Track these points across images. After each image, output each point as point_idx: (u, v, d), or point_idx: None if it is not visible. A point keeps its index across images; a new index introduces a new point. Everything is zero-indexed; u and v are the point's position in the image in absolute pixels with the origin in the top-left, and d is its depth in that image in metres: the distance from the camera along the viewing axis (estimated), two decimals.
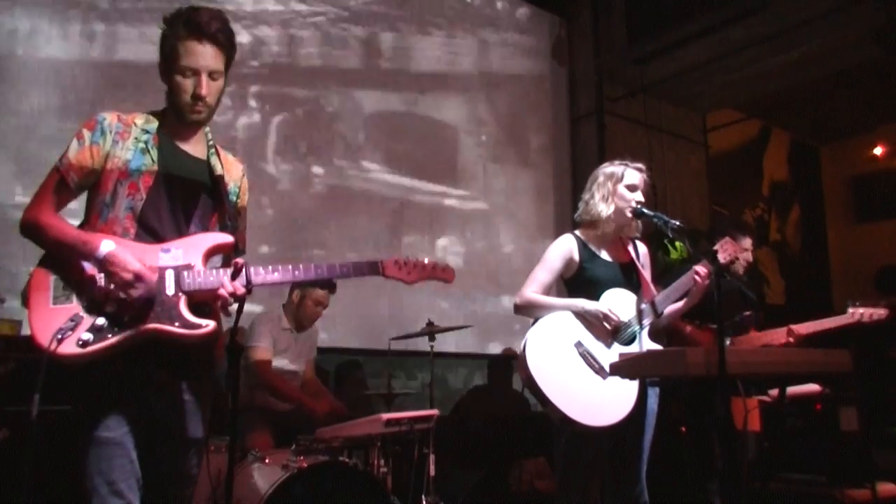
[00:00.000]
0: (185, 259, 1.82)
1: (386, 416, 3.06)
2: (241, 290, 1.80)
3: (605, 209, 2.65)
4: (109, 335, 1.70)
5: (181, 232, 1.88)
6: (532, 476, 4.49)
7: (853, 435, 3.93)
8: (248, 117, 4.48)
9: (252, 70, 4.51)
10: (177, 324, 1.76)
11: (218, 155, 2.02)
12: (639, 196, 2.64)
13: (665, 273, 3.44)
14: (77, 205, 1.91)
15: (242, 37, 3.93)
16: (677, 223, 2.45)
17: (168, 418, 1.84)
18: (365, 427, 3.08)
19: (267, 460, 2.86)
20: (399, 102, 5.18)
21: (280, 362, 3.70)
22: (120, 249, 1.73)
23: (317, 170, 4.73)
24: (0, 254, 3.29)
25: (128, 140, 1.86)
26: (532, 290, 2.65)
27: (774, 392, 3.41)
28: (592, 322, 2.54)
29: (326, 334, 4.14)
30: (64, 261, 1.76)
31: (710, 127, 7.14)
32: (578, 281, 2.67)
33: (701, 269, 2.53)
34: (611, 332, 2.53)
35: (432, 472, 3.36)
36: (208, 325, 1.78)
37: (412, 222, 5.11)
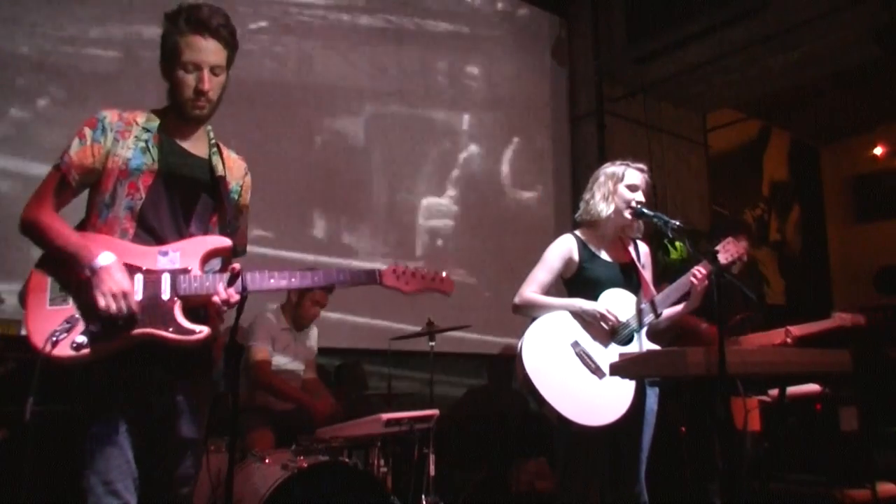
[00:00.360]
0: (182, 263, 1.82)
1: (386, 416, 3.06)
2: (235, 298, 1.81)
3: (605, 209, 2.65)
4: (104, 338, 1.70)
5: (181, 232, 1.88)
6: (532, 476, 4.49)
7: (853, 435, 3.93)
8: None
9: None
10: (170, 329, 1.75)
11: (220, 153, 2.01)
12: (639, 196, 2.64)
13: (665, 273, 3.45)
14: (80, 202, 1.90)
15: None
16: (677, 223, 2.45)
17: (166, 418, 1.84)
18: (365, 427, 3.08)
19: (267, 460, 2.85)
20: (399, 102, 5.18)
21: (280, 362, 3.70)
22: (117, 265, 1.72)
23: (318, 167, 4.73)
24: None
25: (129, 139, 1.86)
26: (531, 290, 2.65)
27: (774, 392, 3.41)
28: (590, 322, 2.54)
29: (327, 334, 4.13)
30: (62, 263, 1.75)
31: (710, 127, 7.14)
32: (578, 281, 2.67)
33: (698, 271, 2.53)
34: (608, 332, 2.53)
35: (432, 472, 3.36)
36: (202, 331, 1.78)
37: (412, 222, 5.11)
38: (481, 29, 5.78)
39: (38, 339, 1.66)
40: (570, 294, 2.69)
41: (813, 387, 3.66)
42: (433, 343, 3.91)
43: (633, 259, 2.72)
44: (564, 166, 6.15)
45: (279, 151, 4.52)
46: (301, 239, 4.58)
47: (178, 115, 1.92)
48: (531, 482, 4.46)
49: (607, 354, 2.50)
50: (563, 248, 2.69)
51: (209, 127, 2.02)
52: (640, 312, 2.57)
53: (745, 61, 5.68)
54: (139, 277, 1.76)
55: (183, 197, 1.90)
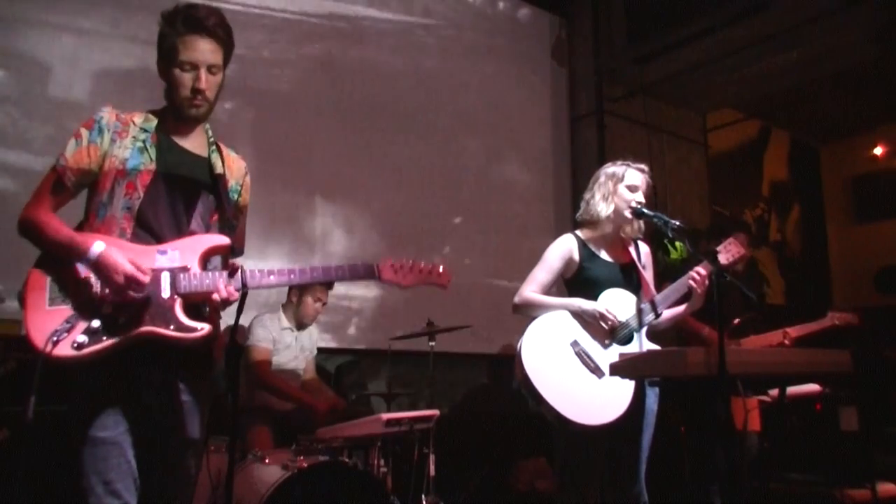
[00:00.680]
0: (181, 261, 1.82)
1: (386, 416, 3.06)
2: (235, 295, 1.81)
3: (604, 209, 2.66)
4: (104, 338, 1.70)
5: (181, 230, 1.88)
6: (532, 476, 4.49)
7: (853, 435, 3.93)
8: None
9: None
10: (171, 326, 1.75)
11: (220, 152, 2.02)
12: (639, 196, 2.64)
13: (665, 273, 3.45)
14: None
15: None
16: (677, 223, 2.45)
17: (166, 418, 1.84)
18: (365, 427, 3.08)
19: (267, 460, 2.86)
20: (399, 102, 5.18)
21: (280, 362, 3.70)
22: (112, 250, 1.72)
23: (316, 167, 4.73)
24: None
25: (126, 139, 1.86)
26: (531, 290, 2.65)
27: (774, 392, 3.42)
28: (589, 322, 2.54)
29: (327, 334, 4.14)
30: (60, 262, 1.76)
31: (710, 127, 7.13)
32: (578, 281, 2.67)
33: (697, 272, 2.53)
34: (607, 331, 2.53)
35: (432, 472, 3.36)
36: (203, 328, 1.78)
37: (411, 222, 5.11)
38: (481, 29, 5.78)
39: (39, 340, 1.66)
40: (571, 294, 2.69)
41: (813, 387, 3.66)
42: (433, 343, 3.91)
43: (633, 259, 2.72)
44: (564, 166, 6.14)
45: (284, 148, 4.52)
46: (303, 238, 4.58)
47: (175, 115, 1.92)
48: (531, 482, 4.46)
49: (607, 354, 2.50)
50: (564, 247, 2.69)
51: (208, 125, 2.02)
52: (640, 312, 2.56)
53: (745, 61, 5.67)
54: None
55: (183, 196, 1.90)
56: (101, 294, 1.70)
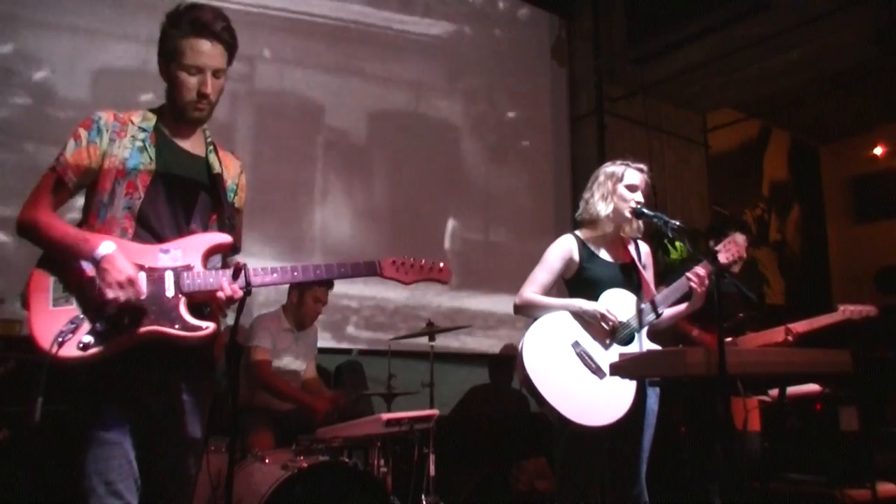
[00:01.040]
0: (184, 260, 1.82)
1: (386, 416, 3.06)
2: (240, 293, 1.81)
3: (604, 208, 2.66)
4: (110, 337, 1.70)
5: (181, 230, 1.88)
6: (532, 476, 4.49)
7: (853, 435, 3.93)
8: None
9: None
10: (176, 326, 1.75)
11: (216, 152, 2.02)
12: (639, 196, 2.64)
13: (665, 273, 3.45)
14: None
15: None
16: (677, 223, 2.45)
17: (166, 419, 1.84)
18: (365, 427, 3.08)
19: (267, 460, 2.86)
20: (399, 102, 5.18)
21: (280, 362, 3.70)
22: (118, 253, 1.72)
23: (319, 167, 4.73)
24: None
25: (125, 138, 1.86)
26: (531, 291, 2.65)
27: (774, 392, 3.41)
28: (590, 322, 2.54)
29: (327, 334, 4.14)
30: (63, 261, 1.75)
31: (710, 127, 7.14)
32: (578, 281, 2.67)
33: (696, 273, 2.52)
34: (608, 332, 2.53)
35: (432, 472, 3.36)
36: (208, 326, 1.78)
37: (412, 222, 5.11)
38: (482, 29, 5.78)
39: (44, 341, 1.65)
40: (571, 294, 2.69)
41: (813, 387, 3.66)
42: (433, 343, 3.91)
43: (633, 259, 2.72)
44: (564, 166, 6.14)
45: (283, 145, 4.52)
46: (303, 239, 4.58)
47: (175, 116, 1.92)
48: (531, 482, 4.46)
49: (608, 354, 2.50)
50: (564, 248, 2.69)
51: (205, 126, 2.02)
52: (640, 312, 2.56)
53: (745, 61, 5.67)
54: (142, 275, 1.76)
55: (182, 196, 1.90)
56: (102, 294, 1.70)
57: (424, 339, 3.89)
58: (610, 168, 2.73)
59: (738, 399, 2.80)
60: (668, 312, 2.63)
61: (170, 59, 1.87)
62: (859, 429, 3.93)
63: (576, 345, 2.50)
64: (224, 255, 2.00)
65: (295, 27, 4.74)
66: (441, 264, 2.11)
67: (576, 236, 2.72)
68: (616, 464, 2.56)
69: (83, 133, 1.84)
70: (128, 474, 1.74)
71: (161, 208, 1.86)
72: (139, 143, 1.86)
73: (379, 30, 5.15)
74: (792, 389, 3.42)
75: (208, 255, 1.88)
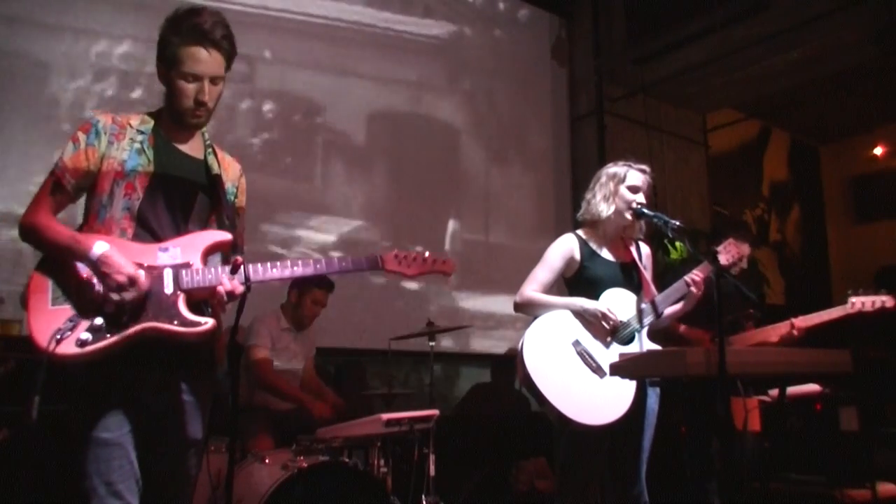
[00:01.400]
0: (183, 257, 1.82)
1: (386, 416, 3.06)
2: (240, 289, 1.80)
3: (605, 209, 2.66)
4: (108, 335, 1.70)
5: (179, 231, 1.88)
6: (532, 476, 4.49)
7: (853, 435, 3.93)
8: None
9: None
10: (175, 322, 1.75)
11: (215, 154, 2.02)
12: (640, 197, 2.65)
13: (665, 273, 3.44)
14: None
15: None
16: (677, 223, 2.46)
17: (167, 419, 1.84)
18: (365, 427, 3.08)
19: (267, 460, 2.86)
20: (399, 102, 5.18)
21: (280, 362, 3.70)
22: (114, 251, 1.72)
23: (319, 168, 4.73)
24: None
25: (123, 141, 1.86)
26: (532, 289, 2.65)
27: (774, 392, 3.41)
28: (591, 321, 2.54)
29: (327, 334, 4.14)
30: (61, 264, 1.76)
31: (710, 127, 7.14)
32: (579, 280, 2.68)
33: (696, 275, 2.53)
34: (609, 331, 2.53)
35: (432, 472, 3.36)
36: (207, 322, 1.78)
37: (412, 223, 5.11)
38: (482, 29, 5.78)
39: (42, 339, 1.66)
40: (572, 293, 2.69)
41: (813, 387, 3.65)
42: (433, 343, 3.91)
43: (634, 259, 2.72)
44: (564, 166, 6.14)
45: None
46: (303, 240, 4.58)
47: (173, 119, 1.92)
48: (531, 482, 4.46)
49: (608, 354, 2.50)
50: (565, 247, 2.69)
51: (204, 129, 2.02)
52: (640, 312, 2.57)
53: (745, 61, 5.67)
54: (141, 273, 1.76)
55: (180, 197, 1.90)
56: (104, 295, 1.70)
57: (424, 339, 3.89)
58: (612, 169, 2.73)
59: (738, 399, 2.80)
60: (667, 312, 2.63)
61: (168, 65, 1.86)
62: (859, 429, 3.93)
63: (576, 344, 2.51)
64: (224, 254, 1.99)
65: (295, 28, 4.75)
66: (445, 257, 2.09)
67: (577, 236, 2.72)
68: (616, 463, 2.56)
69: (81, 136, 1.84)
70: (128, 474, 1.74)
71: (160, 209, 1.86)
72: (137, 146, 1.87)
73: (379, 30, 5.15)
74: (792, 389, 3.42)
75: (208, 253, 1.88)
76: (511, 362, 4.91)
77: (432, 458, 3.36)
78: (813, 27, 5.09)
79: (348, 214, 4.81)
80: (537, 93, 6.10)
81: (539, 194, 5.91)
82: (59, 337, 1.65)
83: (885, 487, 3.42)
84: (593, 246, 2.70)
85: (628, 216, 2.64)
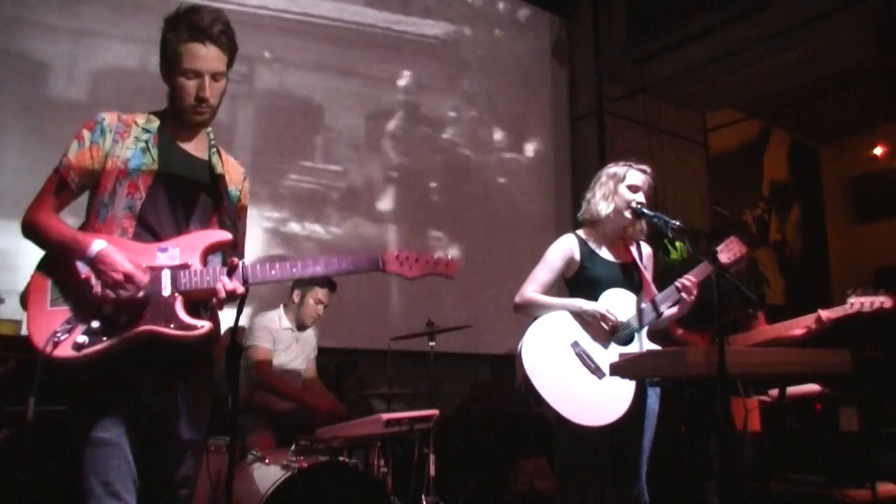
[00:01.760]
0: (182, 258, 1.82)
1: (386, 416, 3.06)
2: (240, 289, 1.80)
3: (605, 208, 2.66)
4: (105, 337, 1.70)
5: (180, 231, 1.88)
6: (532, 476, 4.49)
7: (853, 435, 3.92)
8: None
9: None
10: (172, 325, 1.75)
11: (220, 155, 2.02)
12: (640, 197, 2.65)
13: (665, 273, 3.44)
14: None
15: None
16: (677, 223, 2.45)
17: (165, 419, 1.84)
18: (365, 427, 3.08)
19: (267, 460, 2.86)
20: (399, 102, 5.18)
21: (281, 362, 3.70)
22: (111, 249, 1.72)
23: (320, 168, 4.73)
24: None
25: (128, 139, 1.86)
26: (532, 290, 2.65)
27: (774, 392, 3.41)
28: (589, 322, 2.54)
29: (327, 334, 4.14)
30: (61, 263, 1.76)
31: (710, 127, 7.13)
32: (579, 280, 2.67)
33: (681, 283, 2.52)
34: (608, 332, 2.53)
35: (432, 472, 3.36)
36: (203, 325, 1.77)
37: (412, 223, 5.11)
38: (482, 29, 5.78)
39: (40, 340, 1.66)
40: (572, 293, 2.69)
41: (813, 387, 3.65)
42: (433, 343, 3.91)
43: (634, 259, 2.72)
44: (564, 166, 6.14)
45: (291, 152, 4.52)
46: (303, 240, 4.58)
47: (177, 118, 1.92)
48: (531, 482, 4.46)
49: (607, 354, 2.50)
50: (565, 247, 2.69)
51: (209, 129, 2.02)
52: (640, 312, 2.56)
53: (745, 61, 5.67)
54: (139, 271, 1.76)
55: (183, 196, 1.90)
56: (101, 294, 1.70)
57: (424, 339, 3.89)
58: (612, 169, 2.73)
59: (738, 399, 2.80)
60: (667, 312, 2.63)
61: (169, 63, 1.87)
62: (859, 429, 3.92)
63: (575, 344, 2.50)
64: (224, 254, 1.99)
65: (295, 28, 4.74)
66: (447, 258, 2.05)
67: (577, 236, 2.72)
68: (616, 464, 2.56)
69: (86, 134, 1.85)
70: (126, 475, 1.74)
71: (161, 208, 1.86)
72: (142, 145, 1.87)
73: (379, 30, 5.14)
74: (792, 389, 3.42)
75: (207, 253, 1.87)
76: (511, 362, 4.91)
77: (432, 458, 3.36)
78: (813, 27, 5.08)
79: (348, 214, 4.81)
80: (537, 93, 6.10)
81: (539, 194, 5.91)
82: (56, 339, 1.65)
83: (885, 487, 3.42)
84: (593, 246, 2.70)
85: (627, 215, 2.64)
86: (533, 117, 6.02)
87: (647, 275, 2.72)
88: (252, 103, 4.50)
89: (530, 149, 5.94)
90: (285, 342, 3.74)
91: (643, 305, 2.58)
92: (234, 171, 2.07)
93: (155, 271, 1.78)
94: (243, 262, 1.82)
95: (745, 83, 6.21)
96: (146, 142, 1.87)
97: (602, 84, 6.12)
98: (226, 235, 1.91)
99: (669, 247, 4.93)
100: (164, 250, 1.82)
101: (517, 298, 2.68)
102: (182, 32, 1.84)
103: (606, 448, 2.51)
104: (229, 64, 1.93)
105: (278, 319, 3.75)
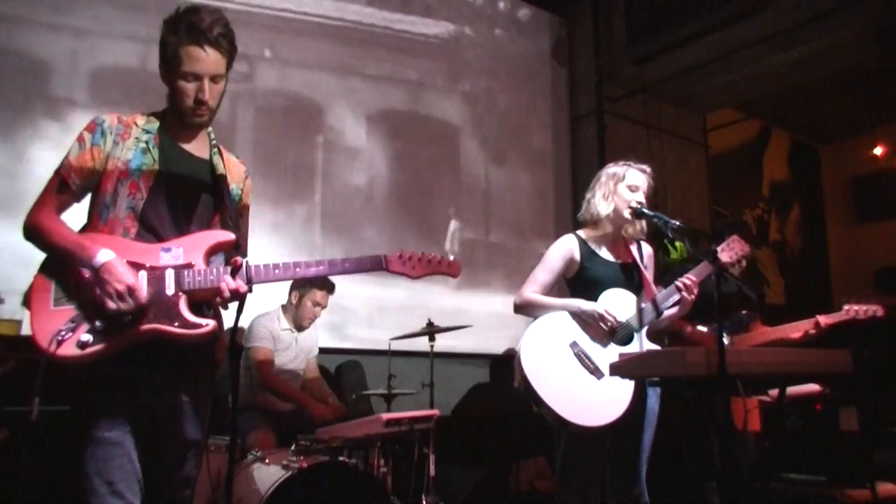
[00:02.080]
0: (185, 258, 1.82)
1: (386, 416, 3.06)
2: (244, 288, 1.80)
3: (605, 208, 2.66)
4: (108, 337, 1.70)
5: (182, 231, 1.88)
6: (532, 476, 4.49)
7: (853, 435, 3.93)
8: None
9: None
10: (176, 324, 1.75)
11: (221, 155, 2.02)
12: (640, 197, 2.64)
13: (665, 273, 3.44)
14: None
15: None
16: (677, 223, 2.45)
17: (167, 419, 1.84)
18: (365, 427, 3.08)
19: (267, 460, 2.86)
20: (399, 102, 5.18)
21: (281, 362, 3.70)
22: (117, 261, 1.72)
23: (320, 167, 4.73)
24: None
25: (128, 140, 1.86)
26: (531, 290, 2.65)
27: (774, 392, 3.41)
28: (589, 322, 2.54)
29: (327, 334, 4.14)
30: (64, 265, 1.76)
31: (710, 127, 7.13)
32: (579, 280, 2.67)
33: (682, 282, 2.52)
34: (607, 332, 2.53)
35: (432, 472, 3.36)
36: (208, 324, 1.78)
37: (412, 223, 5.11)
38: (482, 29, 5.78)
39: (43, 339, 1.66)
40: (572, 294, 2.69)
41: (813, 387, 3.65)
42: (433, 343, 3.91)
43: (634, 259, 2.72)
44: (564, 166, 6.15)
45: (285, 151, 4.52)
46: (303, 241, 4.58)
47: (177, 120, 1.93)
48: (531, 482, 4.46)
49: (606, 355, 2.50)
50: (565, 248, 2.69)
51: (210, 129, 2.02)
52: (641, 312, 2.56)
53: (745, 61, 5.67)
54: (143, 274, 1.76)
55: (184, 197, 1.91)
56: (102, 302, 1.70)
57: (424, 339, 3.89)
58: (612, 168, 2.73)
59: (738, 399, 2.80)
60: (667, 312, 2.63)
61: (169, 65, 1.87)
62: (859, 429, 3.93)
63: (574, 345, 2.50)
64: (227, 254, 1.99)
65: (295, 27, 4.75)
66: (451, 258, 2.05)
67: (577, 236, 2.72)
68: (616, 464, 2.55)
69: (87, 136, 1.85)
70: (130, 474, 1.74)
71: (163, 208, 1.86)
72: (143, 145, 1.87)
73: (379, 30, 5.15)
74: (792, 389, 3.42)
75: (210, 253, 1.87)
76: (510, 362, 4.92)
77: (432, 458, 3.36)
78: (813, 27, 5.09)
79: (348, 214, 4.81)
80: (537, 93, 6.10)
81: (539, 194, 5.91)
82: (59, 338, 1.65)
83: (885, 487, 3.42)
84: (593, 246, 2.70)
85: (627, 215, 2.63)
86: (533, 117, 6.03)
87: (648, 275, 2.72)
88: (252, 102, 4.51)
89: (530, 149, 5.94)
90: (285, 343, 3.74)
91: (644, 305, 2.57)
92: (235, 170, 2.07)
93: (158, 271, 1.78)
94: (246, 262, 1.82)
95: (745, 83, 6.21)
96: (147, 142, 1.87)
97: (602, 84, 6.12)
98: (228, 236, 1.91)
99: (669, 247, 4.93)
100: (168, 250, 1.82)
101: (516, 299, 2.68)
102: (182, 35, 1.83)
103: (606, 448, 2.51)
104: (229, 66, 1.93)
105: (277, 320, 3.75)
